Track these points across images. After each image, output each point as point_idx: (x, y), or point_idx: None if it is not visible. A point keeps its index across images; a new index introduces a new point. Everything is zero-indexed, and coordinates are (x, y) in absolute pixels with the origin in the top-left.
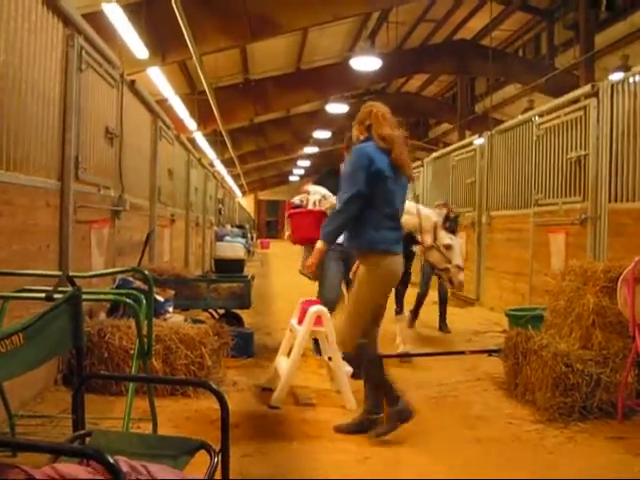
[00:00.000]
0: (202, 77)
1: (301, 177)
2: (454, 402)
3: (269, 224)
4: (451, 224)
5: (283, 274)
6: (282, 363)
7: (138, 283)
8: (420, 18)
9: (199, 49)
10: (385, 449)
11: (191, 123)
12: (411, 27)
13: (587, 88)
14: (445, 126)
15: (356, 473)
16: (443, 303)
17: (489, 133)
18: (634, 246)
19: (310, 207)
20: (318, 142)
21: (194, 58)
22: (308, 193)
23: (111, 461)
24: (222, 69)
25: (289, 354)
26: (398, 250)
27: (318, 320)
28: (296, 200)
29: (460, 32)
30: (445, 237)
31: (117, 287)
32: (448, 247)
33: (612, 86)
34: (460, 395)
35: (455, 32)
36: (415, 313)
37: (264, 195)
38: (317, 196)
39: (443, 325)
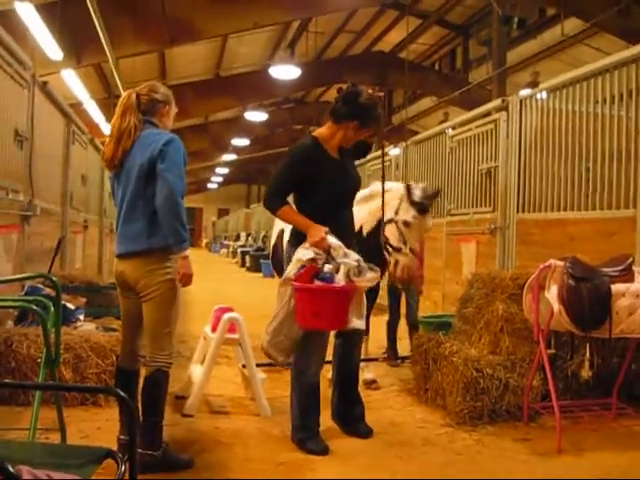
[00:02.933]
0: (118, 81)
1: (219, 184)
2: (367, 408)
3: None
4: (424, 203)
5: (199, 282)
6: (196, 371)
7: (48, 290)
8: (340, 29)
9: (116, 52)
10: (298, 455)
11: (107, 128)
12: (331, 37)
13: (497, 102)
14: None
15: None
16: (414, 328)
17: (404, 144)
18: (540, 254)
19: (340, 279)
20: (237, 149)
21: (110, 61)
22: (327, 248)
23: (11, 470)
24: (139, 74)
25: (203, 362)
26: (118, 252)
27: (232, 327)
28: (306, 257)
29: (379, 44)
30: (408, 212)
31: (25, 294)
32: (407, 224)
33: (521, 101)
34: (373, 401)
35: (374, 44)
36: (393, 348)
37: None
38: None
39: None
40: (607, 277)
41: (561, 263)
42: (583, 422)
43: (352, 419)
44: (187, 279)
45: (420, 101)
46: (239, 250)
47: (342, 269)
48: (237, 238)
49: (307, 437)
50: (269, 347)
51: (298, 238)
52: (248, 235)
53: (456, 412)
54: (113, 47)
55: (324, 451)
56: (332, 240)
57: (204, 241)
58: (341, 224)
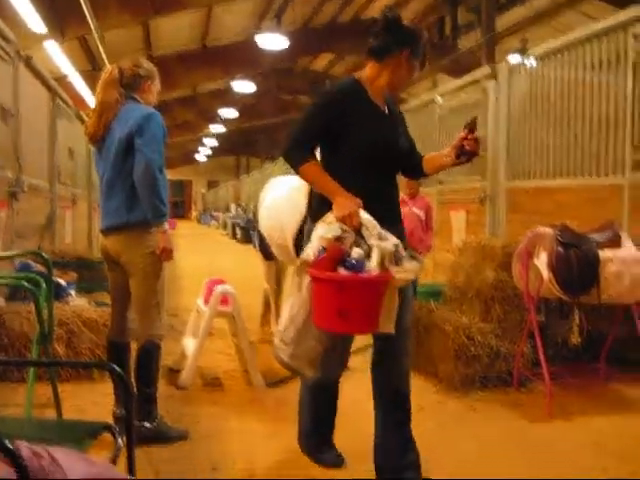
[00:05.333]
0: (103, 54)
1: (208, 157)
2: (362, 377)
3: (175, 204)
4: None
5: (190, 254)
6: (189, 344)
7: (39, 267)
8: None
9: (100, 24)
10: (291, 426)
11: (92, 100)
12: (317, 5)
13: (486, 70)
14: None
15: (265, 452)
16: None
17: None
18: (530, 222)
19: (373, 266)
20: (225, 121)
21: (94, 34)
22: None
23: (9, 446)
24: (124, 45)
25: (196, 335)
26: (101, 226)
27: (224, 300)
28: (329, 234)
29: (366, 11)
30: None
31: (17, 271)
32: None
33: (510, 69)
34: (366, 369)
35: (361, 11)
36: None
37: (170, 175)
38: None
39: None
40: (595, 243)
41: (550, 230)
42: (573, 387)
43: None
44: (167, 254)
45: None
46: (230, 221)
47: (375, 254)
48: (227, 210)
49: (319, 444)
50: (292, 359)
51: (321, 209)
52: (238, 206)
53: (448, 379)
54: (97, 19)
55: (338, 463)
56: (365, 216)
57: (194, 213)
58: (380, 196)
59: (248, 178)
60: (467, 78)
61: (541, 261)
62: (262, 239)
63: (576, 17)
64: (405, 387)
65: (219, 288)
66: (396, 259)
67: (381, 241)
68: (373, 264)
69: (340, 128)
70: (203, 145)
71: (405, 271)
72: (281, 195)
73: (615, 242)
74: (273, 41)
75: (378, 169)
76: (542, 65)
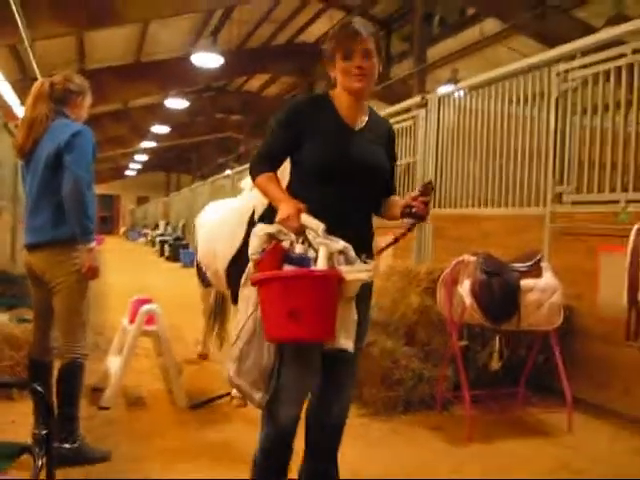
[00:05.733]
0: (34, 64)
1: (138, 172)
2: None
3: (103, 219)
4: None
5: (117, 271)
6: (113, 363)
7: None
8: (263, 18)
9: (31, 34)
10: (215, 447)
11: (21, 110)
12: (254, 26)
13: (417, 99)
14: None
15: (187, 474)
16: None
17: None
18: (455, 249)
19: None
20: (157, 137)
21: (25, 43)
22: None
23: None
24: (57, 56)
25: (121, 354)
26: (25, 242)
27: (150, 319)
28: (264, 231)
29: (302, 35)
30: None
31: None
32: None
33: (439, 99)
34: None
35: (297, 35)
36: None
37: (99, 189)
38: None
39: None
40: (517, 272)
41: (473, 258)
42: (493, 411)
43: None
44: (93, 272)
45: None
46: (158, 239)
47: (322, 251)
48: (156, 227)
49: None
50: (238, 378)
51: (271, 219)
52: (167, 224)
53: (372, 402)
54: (29, 28)
55: None
56: (309, 219)
57: (122, 229)
58: (343, 217)
59: (178, 195)
60: (398, 106)
61: (464, 288)
62: (198, 264)
63: (504, 51)
64: (344, 420)
65: (145, 307)
66: (346, 260)
67: (327, 240)
68: (320, 262)
69: (298, 142)
70: (134, 160)
71: (357, 271)
72: (218, 218)
73: (536, 271)
74: (208, 59)
75: (340, 187)
76: (471, 97)
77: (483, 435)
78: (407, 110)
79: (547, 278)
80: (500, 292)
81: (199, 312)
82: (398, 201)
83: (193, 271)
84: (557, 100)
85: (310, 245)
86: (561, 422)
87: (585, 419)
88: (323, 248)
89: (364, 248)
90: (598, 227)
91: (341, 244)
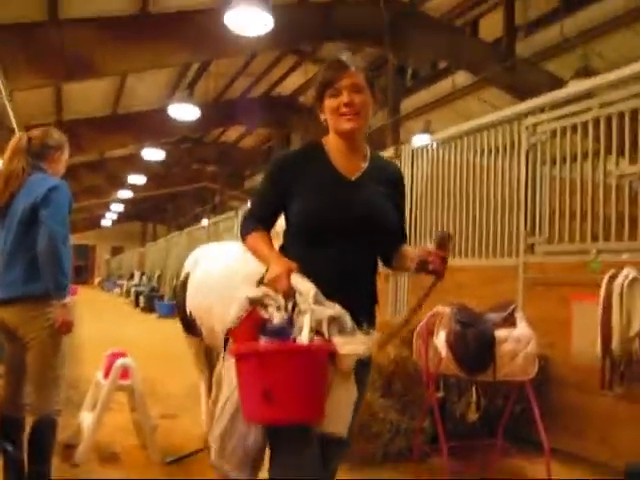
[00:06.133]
0: (11, 114)
1: (114, 222)
2: None
3: (78, 269)
4: None
5: (92, 322)
6: (86, 418)
7: None
8: (240, 71)
9: (9, 84)
10: None
11: None
12: (230, 79)
13: (391, 151)
14: (260, 178)
15: None
16: None
17: None
18: (430, 300)
19: (303, 333)
20: (133, 187)
21: (3, 94)
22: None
23: None
24: (34, 107)
25: (94, 408)
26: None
27: (124, 373)
28: (247, 294)
29: (278, 88)
30: None
31: None
32: None
33: (413, 150)
34: None
35: (273, 88)
36: None
37: (74, 239)
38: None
39: None
40: (491, 323)
41: (448, 309)
42: (471, 462)
43: None
44: (67, 327)
45: None
46: (133, 289)
47: (306, 320)
48: (131, 277)
49: None
50: (221, 460)
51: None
52: (142, 274)
53: (349, 455)
54: (6, 79)
55: None
56: (300, 281)
57: (97, 279)
58: (339, 279)
59: (154, 246)
60: None
61: (440, 339)
62: (184, 312)
63: (476, 103)
64: None
65: (119, 361)
66: (340, 328)
67: (316, 305)
68: (303, 333)
69: (287, 200)
70: (110, 210)
71: (353, 343)
72: (217, 271)
73: (510, 321)
74: (185, 111)
75: (337, 247)
76: (443, 148)
77: None
78: None
79: (521, 328)
80: (475, 343)
81: (175, 365)
82: (410, 253)
83: (169, 322)
84: (527, 152)
85: (299, 311)
86: (540, 472)
87: (563, 469)
88: (308, 316)
89: (366, 314)
90: (570, 277)
91: (335, 309)
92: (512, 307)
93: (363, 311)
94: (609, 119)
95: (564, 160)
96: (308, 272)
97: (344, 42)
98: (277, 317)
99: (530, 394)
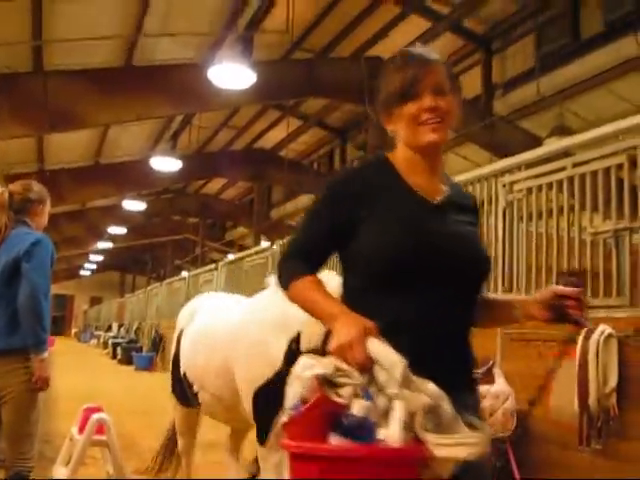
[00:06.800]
0: None
1: (92, 271)
2: None
3: (55, 320)
4: None
5: (68, 374)
6: (60, 473)
7: None
8: (222, 124)
9: None
10: None
11: None
12: (213, 132)
13: None
14: (241, 230)
15: None
16: None
17: (282, 241)
18: None
19: (392, 431)
20: (113, 237)
21: None
22: (366, 365)
23: None
24: (15, 155)
25: (68, 464)
26: None
27: (100, 429)
28: (311, 372)
29: (260, 141)
30: None
31: None
32: None
33: None
34: None
35: (255, 141)
36: None
37: (52, 289)
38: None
39: None
40: None
41: None
42: None
43: None
44: (43, 382)
45: (298, 198)
46: (110, 341)
47: (397, 410)
48: (109, 328)
49: None
50: None
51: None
52: (120, 326)
53: None
54: None
55: None
56: (384, 352)
57: (74, 330)
58: (429, 338)
59: (133, 297)
60: None
61: None
62: (178, 377)
63: (455, 159)
64: None
65: (94, 416)
66: (437, 421)
67: (409, 390)
68: (393, 428)
69: (351, 229)
70: (89, 260)
71: (454, 441)
72: (219, 321)
73: (488, 378)
74: (167, 163)
75: (424, 293)
76: None
77: None
78: None
79: (499, 384)
80: None
81: (151, 418)
82: (516, 300)
83: (146, 375)
84: (504, 209)
85: (378, 388)
86: None
87: None
88: (400, 404)
89: (467, 391)
90: (548, 333)
91: (431, 392)
92: (490, 363)
93: (463, 386)
94: (583, 177)
95: (540, 216)
96: (388, 330)
97: (326, 97)
98: (357, 405)
99: (509, 449)
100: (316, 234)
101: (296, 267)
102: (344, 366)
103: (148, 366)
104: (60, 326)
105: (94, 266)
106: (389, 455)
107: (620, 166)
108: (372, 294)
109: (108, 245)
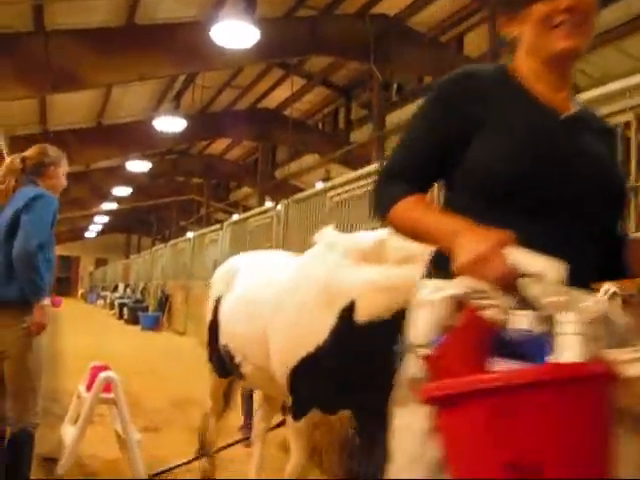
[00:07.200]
0: None
1: (98, 233)
2: (233, 465)
3: (61, 281)
4: None
5: (75, 334)
6: (68, 431)
7: None
8: (226, 84)
9: None
10: None
11: None
12: (217, 92)
13: (374, 166)
14: (246, 190)
15: None
16: None
17: (286, 201)
18: None
19: (575, 350)
20: (117, 199)
21: None
22: (511, 280)
23: None
24: (18, 117)
25: (76, 422)
26: None
27: (107, 387)
28: (447, 292)
29: (264, 101)
30: None
31: None
32: None
33: None
34: (240, 459)
35: (259, 100)
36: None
37: (57, 250)
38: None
39: None
40: None
41: None
42: None
43: None
44: (38, 328)
45: (303, 158)
46: (117, 302)
47: (571, 323)
48: (115, 289)
49: None
50: None
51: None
52: (126, 286)
53: (332, 470)
54: None
55: None
56: (533, 260)
57: (80, 291)
58: (561, 246)
59: (138, 258)
60: (357, 173)
61: None
62: (215, 347)
63: None
64: None
65: (102, 375)
66: (611, 336)
67: (571, 297)
68: (572, 346)
69: (466, 138)
70: (94, 222)
71: None
72: (263, 283)
73: None
74: (170, 123)
75: (549, 220)
76: None
77: None
78: (367, 176)
79: None
80: None
81: (158, 378)
82: None
83: (153, 335)
84: None
85: (526, 303)
86: None
87: None
88: (574, 316)
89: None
90: None
91: (599, 304)
92: None
93: None
94: None
95: None
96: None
97: (330, 56)
98: (517, 319)
99: None
100: (422, 147)
101: (398, 189)
102: (481, 285)
103: (154, 326)
104: (66, 287)
105: (99, 228)
106: (587, 372)
107: (627, 124)
108: (484, 217)
109: (113, 206)
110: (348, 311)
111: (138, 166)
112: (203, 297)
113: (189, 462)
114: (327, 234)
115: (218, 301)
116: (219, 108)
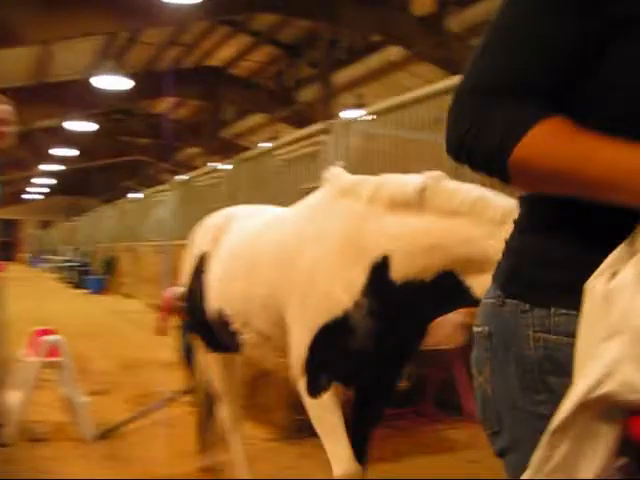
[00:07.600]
0: None
1: (42, 195)
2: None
3: (3, 245)
4: None
5: (18, 300)
6: (13, 397)
7: None
8: (170, 41)
9: None
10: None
11: None
12: (161, 49)
13: (321, 125)
14: (192, 150)
15: None
16: None
17: (236, 160)
18: None
19: None
20: (61, 160)
21: None
22: None
23: None
24: None
25: (20, 387)
26: None
27: (53, 351)
28: None
29: (210, 59)
30: None
31: None
32: None
33: (344, 124)
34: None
35: (205, 58)
36: None
37: None
38: None
39: None
40: None
41: None
42: (402, 429)
43: None
44: None
45: (250, 117)
46: (61, 265)
47: None
48: (60, 252)
49: None
50: None
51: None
52: (73, 250)
53: (282, 426)
54: None
55: None
56: None
57: (24, 255)
58: None
59: (83, 220)
60: (303, 131)
61: None
62: (203, 314)
63: (409, 77)
64: None
65: (48, 338)
66: None
67: None
68: None
69: (604, 40)
70: (36, 185)
71: None
72: (261, 236)
73: None
74: (112, 82)
75: None
76: (376, 122)
77: (393, 454)
78: (312, 135)
79: None
80: None
81: (104, 340)
82: None
83: (98, 298)
84: None
85: None
86: (461, 435)
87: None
88: None
89: None
90: None
91: None
92: None
93: None
94: None
95: None
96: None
97: (276, 13)
98: None
99: (455, 362)
100: (553, 50)
101: (523, 110)
102: None
103: (100, 289)
104: (9, 251)
105: (44, 190)
106: None
107: None
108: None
109: (55, 168)
110: (381, 269)
111: (80, 126)
112: (151, 259)
113: (132, 420)
114: (335, 176)
115: (203, 259)
116: (164, 66)
